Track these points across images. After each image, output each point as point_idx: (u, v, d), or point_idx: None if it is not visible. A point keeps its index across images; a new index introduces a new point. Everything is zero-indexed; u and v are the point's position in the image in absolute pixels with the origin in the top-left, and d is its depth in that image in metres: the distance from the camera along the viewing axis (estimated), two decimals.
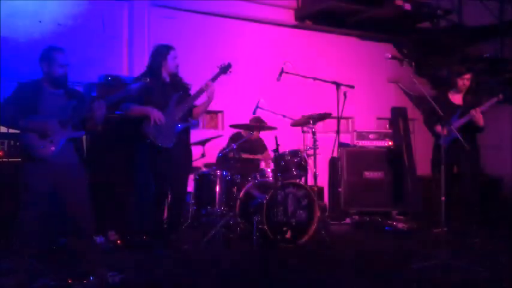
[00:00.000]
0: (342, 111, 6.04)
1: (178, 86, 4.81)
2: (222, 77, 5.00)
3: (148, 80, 4.16)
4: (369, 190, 6.96)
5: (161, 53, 4.75)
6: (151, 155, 4.63)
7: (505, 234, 5.76)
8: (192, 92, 4.86)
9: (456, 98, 5.69)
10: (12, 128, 3.95)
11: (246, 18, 7.05)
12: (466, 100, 5.64)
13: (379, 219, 6.51)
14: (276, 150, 5.18)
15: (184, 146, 4.83)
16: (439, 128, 5.44)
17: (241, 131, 6.20)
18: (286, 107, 6.80)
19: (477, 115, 5.39)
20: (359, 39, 8.07)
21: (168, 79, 4.78)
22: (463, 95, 5.69)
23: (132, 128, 4.63)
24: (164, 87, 4.72)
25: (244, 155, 5.93)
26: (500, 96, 5.44)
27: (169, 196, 4.91)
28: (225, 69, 4.94)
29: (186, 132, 4.85)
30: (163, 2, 6.47)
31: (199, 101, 4.88)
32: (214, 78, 4.87)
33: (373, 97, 8.07)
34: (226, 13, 6.87)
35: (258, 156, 6.18)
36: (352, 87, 6.05)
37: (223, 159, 5.89)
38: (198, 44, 6.65)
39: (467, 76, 5.63)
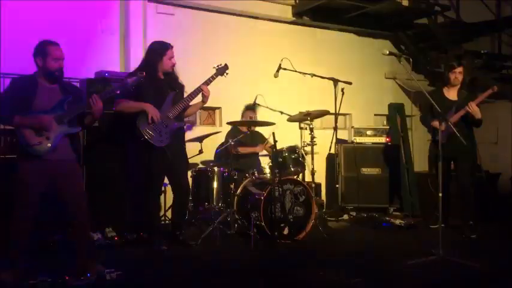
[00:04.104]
0: (340, 107, 6.04)
1: (174, 85, 4.78)
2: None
3: (144, 74, 4.11)
4: (367, 186, 6.97)
5: (158, 51, 4.69)
6: (146, 153, 4.61)
7: (503, 229, 5.77)
8: (188, 91, 4.83)
9: (451, 94, 5.69)
10: (8, 125, 3.92)
11: (243, 14, 7.02)
12: (461, 95, 5.64)
13: (377, 216, 6.51)
14: (273, 147, 5.17)
15: (178, 144, 4.81)
16: (436, 123, 5.45)
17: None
18: (284, 103, 6.79)
19: (473, 108, 5.38)
20: (357, 35, 8.06)
21: (162, 77, 4.75)
22: (458, 90, 5.69)
23: (127, 124, 4.61)
24: (159, 85, 4.67)
25: (243, 149, 5.90)
26: (495, 87, 5.42)
27: (173, 195, 4.93)
28: (221, 70, 4.92)
29: (180, 130, 4.83)
30: None
31: (192, 101, 4.87)
32: (210, 80, 4.84)
33: (370, 93, 8.06)
34: (223, 9, 6.83)
35: (258, 148, 6.12)
36: (349, 83, 6.05)
37: (220, 155, 5.88)
38: (194, 40, 6.62)
39: (459, 70, 5.61)
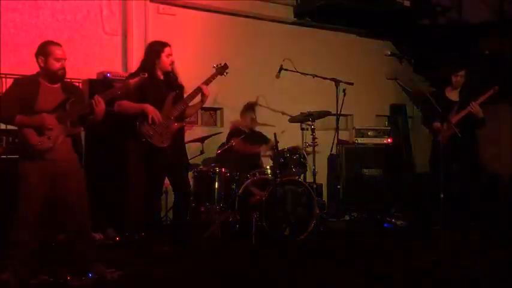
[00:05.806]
0: (341, 108, 6.04)
1: (173, 85, 4.78)
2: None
3: (146, 75, 4.12)
4: (368, 187, 6.96)
5: (155, 50, 4.69)
6: (146, 154, 4.61)
7: (504, 231, 5.76)
8: (187, 92, 4.84)
9: (453, 95, 5.70)
10: (10, 125, 3.92)
11: (245, 14, 7.02)
12: (463, 96, 5.65)
13: (378, 216, 6.50)
14: (275, 147, 5.17)
15: (179, 145, 4.81)
16: (437, 124, 5.45)
17: (240, 125, 6.19)
18: (285, 103, 6.80)
19: (475, 108, 5.39)
20: (358, 35, 8.06)
21: (162, 77, 4.75)
22: (460, 91, 5.70)
23: (127, 124, 4.61)
24: (159, 85, 4.68)
25: (245, 148, 5.89)
26: (496, 88, 5.43)
27: (174, 195, 4.94)
28: (221, 70, 4.93)
29: (180, 131, 4.83)
30: None
31: (192, 102, 4.87)
32: (209, 80, 4.85)
33: (372, 94, 8.06)
34: (225, 9, 6.84)
35: (262, 148, 6.12)
36: (351, 84, 6.05)
37: (222, 155, 5.88)
38: (196, 40, 6.63)
39: (461, 73, 5.64)
